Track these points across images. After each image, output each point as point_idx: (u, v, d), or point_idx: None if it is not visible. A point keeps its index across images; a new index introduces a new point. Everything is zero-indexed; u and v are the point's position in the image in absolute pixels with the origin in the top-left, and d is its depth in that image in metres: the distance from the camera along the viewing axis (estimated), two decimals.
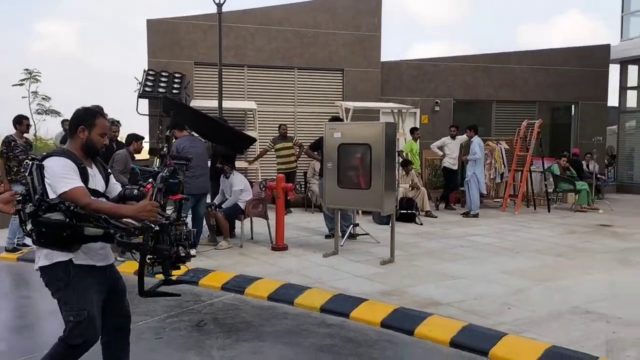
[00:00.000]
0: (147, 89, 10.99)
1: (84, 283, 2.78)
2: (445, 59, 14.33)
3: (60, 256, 2.74)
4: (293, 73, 12.53)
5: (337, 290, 5.30)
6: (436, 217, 10.46)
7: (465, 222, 10.08)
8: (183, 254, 2.80)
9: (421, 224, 9.56)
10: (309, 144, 10.07)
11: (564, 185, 12.20)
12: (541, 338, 4.10)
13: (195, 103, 11.01)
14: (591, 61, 15.14)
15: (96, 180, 2.91)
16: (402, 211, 9.81)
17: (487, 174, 11.98)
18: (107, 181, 3.01)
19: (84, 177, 2.80)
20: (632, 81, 16.56)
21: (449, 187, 11.77)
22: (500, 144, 12.37)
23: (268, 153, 11.06)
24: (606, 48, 15.47)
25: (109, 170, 3.14)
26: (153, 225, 2.68)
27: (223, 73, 10.66)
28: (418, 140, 11.89)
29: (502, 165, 12.17)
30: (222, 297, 5.31)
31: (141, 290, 2.81)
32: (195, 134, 7.57)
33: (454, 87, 14.17)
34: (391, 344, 4.23)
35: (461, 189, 11.61)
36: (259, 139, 11.18)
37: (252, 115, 11.69)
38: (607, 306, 4.89)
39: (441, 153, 11.61)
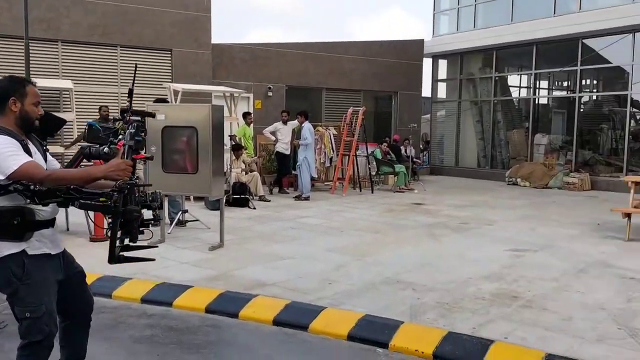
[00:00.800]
0: None
1: (40, 276, 2.55)
2: (277, 45, 14.52)
3: (12, 248, 2.47)
4: (115, 51, 11.68)
5: (160, 279, 5.09)
6: (270, 201, 10.62)
7: (298, 205, 10.39)
8: (151, 217, 2.64)
9: (254, 208, 9.63)
10: None
11: (385, 169, 13.22)
12: (356, 308, 4.39)
13: None
14: (408, 54, 16.55)
15: (37, 158, 2.58)
16: (234, 196, 9.78)
17: (318, 159, 12.49)
18: (45, 158, 2.69)
19: (28, 154, 2.49)
20: (442, 74, 18.49)
21: (282, 172, 12.01)
22: (329, 129, 12.95)
23: None
24: (420, 43, 17.03)
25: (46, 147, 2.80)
26: (128, 185, 2.45)
27: (33, 48, 9.56)
28: (251, 125, 11.92)
29: (331, 150, 12.78)
30: None
31: (111, 257, 2.54)
32: None
33: (286, 73, 14.45)
34: (215, 328, 4.19)
35: (294, 173, 11.94)
36: (77, 121, 10.25)
37: (68, 95, 10.67)
38: (415, 275, 5.41)
39: (273, 138, 11.79)
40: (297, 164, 11.24)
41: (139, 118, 2.73)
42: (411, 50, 16.66)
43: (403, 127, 16.29)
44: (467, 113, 17.74)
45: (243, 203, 9.78)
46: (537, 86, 17.41)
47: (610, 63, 15.01)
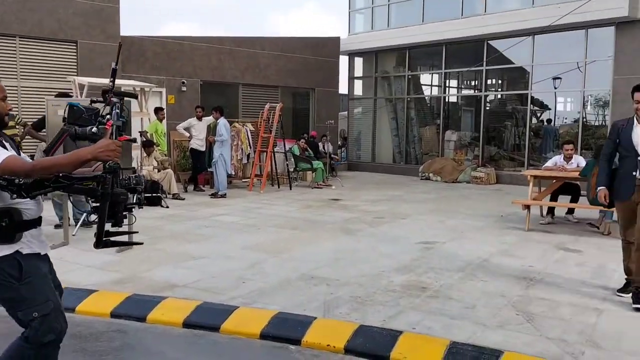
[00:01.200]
0: None
1: (39, 272, 2.44)
2: (190, 39, 14.15)
3: (4, 249, 2.36)
4: (14, 42, 10.86)
5: (63, 284, 4.77)
6: (184, 199, 10.33)
7: (213, 202, 10.18)
8: (135, 202, 2.58)
9: (167, 207, 9.33)
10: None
11: (303, 165, 13.27)
12: (270, 306, 4.35)
13: None
14: (324, 51, 16.70)
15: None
16: (146, 195, 9.41)
17: (234, 155, 12.32)
18: (19, 154, 2.53)
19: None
20: (358, 72, 18.82)
21: (197, 169, 11.73)
22: (246, 125, 12.79)
23: None
24: (337, 40, 17.24)
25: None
26: (118, 167, 2.39)
27: None
28: (164, 121, 11.53)
29: (248, 147, 12.64)
30: None
31: (99, 241, 2.44)
32: None
33: (200, 67, 14.11)
34: (120, 333, 4.00)
35: (209, 170, 11.69)
36: None
37: None
38: (329, 271, 5.45)
39: (187, 134, 11.47)
40: (213, 160, 11.01)
41: (118, 100, 2.61)
42: (328, 48, 16.82)
43: (321, 123, 16.44)
44: (382, 110, 18.19)
45: (155, 202, 9.45)
46: (447, 85, 18.16)
47: (513, 64, 15.94)
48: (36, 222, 2.50)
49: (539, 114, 17.46)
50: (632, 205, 4.53)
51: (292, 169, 13.28)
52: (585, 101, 14.77)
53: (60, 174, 2.35)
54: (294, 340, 3.83)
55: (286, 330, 3.94)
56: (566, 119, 17.43)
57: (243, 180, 12.88)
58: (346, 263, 5.81)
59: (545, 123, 16.72)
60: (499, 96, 18.61)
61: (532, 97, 15.13)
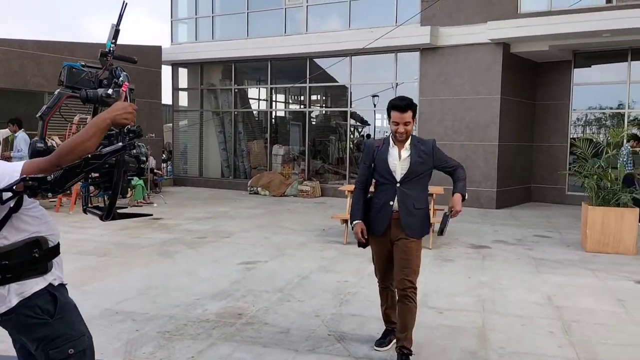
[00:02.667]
0: None
1: (71, 304, 2.23)
2: None
3: (39, 283, 2.11)
4: None
5: None
6: None
7: None
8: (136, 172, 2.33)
9: None
10: None
11: None
12: None
13: None
14: (145, 61, 15.77)
15: None
16: None
17: None
18: None
19: None
20: (182, 83, 18.17)
21: None
22: (52, 139, 11.45)
23: None
24: (158, 49, 16.43)
25: None
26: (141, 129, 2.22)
27: None
28: None
29: None
30: None
31: (109, 212, 2.20)
32: None
33: None
34: None
35: None
36: None
37: None
38: (137, 303, 4.98)
39: None
40: None
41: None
42: (149, 57, 15.93)
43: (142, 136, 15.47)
44: (209, 123, 17.78)
45: None
46: (274, 99, 18.41)
47: (335, 81, 16.70)
48: (58, 249, 2.25)
49: (360, 129, 18.56)
50: (387, 242, 3.82)
51: None
52: None
53: (89, 155, 2.03)
54: None
55: None
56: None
57: (50, 200, 11.49)
58: (158, 292, 5.38)
59: (366, 138, 17.82)
60: (323, 112, 19.40)
61: (352, 113, 15.99)
